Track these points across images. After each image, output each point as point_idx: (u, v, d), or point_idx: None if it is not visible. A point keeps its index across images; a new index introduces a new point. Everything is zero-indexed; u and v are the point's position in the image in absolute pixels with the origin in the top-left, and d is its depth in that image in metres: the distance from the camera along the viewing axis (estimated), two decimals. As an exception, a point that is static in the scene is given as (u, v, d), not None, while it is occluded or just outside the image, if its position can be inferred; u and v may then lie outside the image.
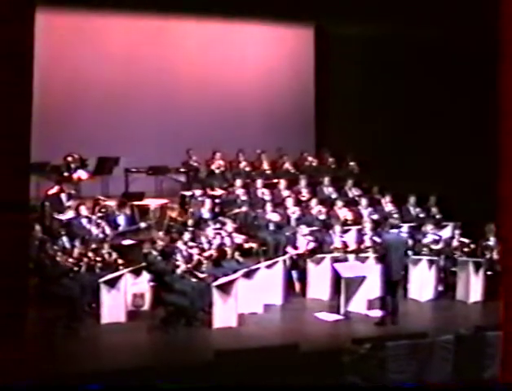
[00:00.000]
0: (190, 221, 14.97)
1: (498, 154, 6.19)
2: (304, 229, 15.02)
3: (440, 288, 14.88)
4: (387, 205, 16.45)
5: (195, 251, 13.63)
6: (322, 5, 15.96)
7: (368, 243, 14.82)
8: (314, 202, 16.30)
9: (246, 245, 14.93)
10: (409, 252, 14.62)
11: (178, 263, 13.05)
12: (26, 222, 8.08)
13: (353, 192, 17.40)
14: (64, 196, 15.64)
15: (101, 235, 14.32)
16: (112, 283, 12.91)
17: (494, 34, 10.96)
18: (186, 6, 16.88)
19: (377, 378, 11.73)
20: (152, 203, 16.38)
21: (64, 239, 13.66)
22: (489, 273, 14.64)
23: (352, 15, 16.63)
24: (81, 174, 16.70)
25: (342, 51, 19.11)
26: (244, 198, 16.58)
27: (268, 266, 14.11)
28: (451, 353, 12.15)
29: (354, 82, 18.69)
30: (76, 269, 12.98)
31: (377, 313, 13.55)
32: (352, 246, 14.91)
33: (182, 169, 17.78)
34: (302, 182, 17.34)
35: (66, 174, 16.50)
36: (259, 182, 17.16)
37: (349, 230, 15.47)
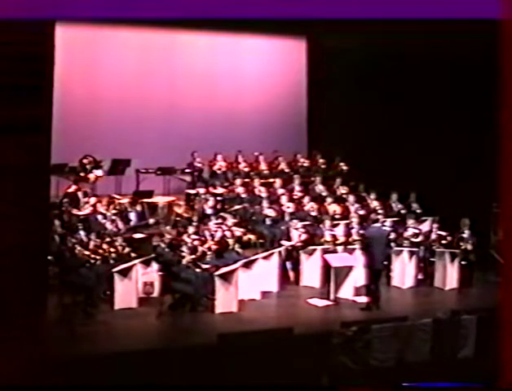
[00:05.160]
0: (195, 217, 14.95)
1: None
2: (297, 223, 15.04)
3: (420, 277, 14.87)
4: (372, 202, 16.44)
5: (199, 243, 13.66)
6: (314, 17, 15.68)
7: (355, 236, 14.84)
8: (306, 199, 16.31)
9: (245, 238, 14.92)
10: (392, 244, 14.65)
11: (184, 254, 13.04)
12: (47, 217, 8.09)
13: (341, 190, 17.39)
14: (80, 194, 15.62)
15: (115, 230, 14.32)
16: (124, 273, 12.91)
17: (484, 41, 10.71)
18: (191, 22, 16.80)
19: (363, 357, 11.78)
20: (161, 200, 16.40)
21: (81, 233, 13.64)
22: (464, 262, 14.69)
23: (344, 26, 16.31)
24: (97, 174, 16.71)
25: (334, 61, 18.94)
26: (243, 196, 16.57)
27: (265, 257, 14.10)
28: (429, 335, 12.19)
29: (342, 90, 18.60)
30: (92, 260, 12.98)
31: (363, 299, 13.58)
32: (341, 239, 14.90)
33: (187, 170, 17.75)
34: (296, 181, 17.34)
35: (82, 174, 16.50)
36: (257, 181, 17.16)
37: (338, 224, 15.45)
